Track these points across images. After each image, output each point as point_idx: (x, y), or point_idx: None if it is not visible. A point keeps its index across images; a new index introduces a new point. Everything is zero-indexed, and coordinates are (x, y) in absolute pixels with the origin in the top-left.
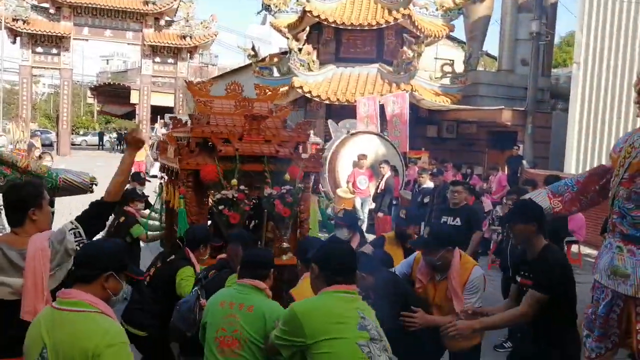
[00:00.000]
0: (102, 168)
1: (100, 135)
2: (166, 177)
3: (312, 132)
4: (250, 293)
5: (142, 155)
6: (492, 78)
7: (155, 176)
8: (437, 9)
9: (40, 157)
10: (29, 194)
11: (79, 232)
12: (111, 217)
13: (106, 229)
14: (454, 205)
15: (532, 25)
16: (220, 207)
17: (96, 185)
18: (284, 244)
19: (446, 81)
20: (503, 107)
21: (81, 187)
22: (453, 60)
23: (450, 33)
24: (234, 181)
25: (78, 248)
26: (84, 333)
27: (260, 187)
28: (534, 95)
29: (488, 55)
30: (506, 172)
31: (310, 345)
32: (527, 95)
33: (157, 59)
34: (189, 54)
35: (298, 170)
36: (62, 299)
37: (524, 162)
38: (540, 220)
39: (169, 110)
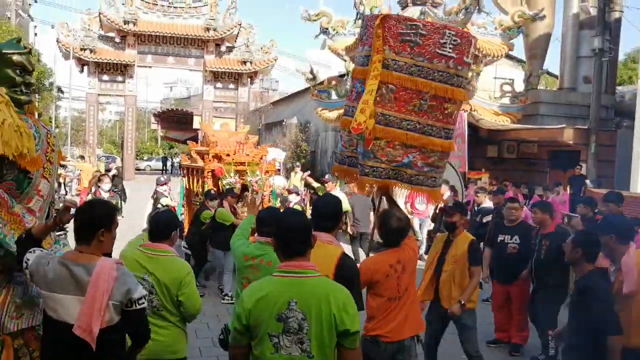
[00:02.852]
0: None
1: (164, 160)
2: (189, 173)
3: None
4: (267, 249)
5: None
6: (553, 97)
7: None
8: (495, 28)
9: (99, 180)
10: (103, 214)
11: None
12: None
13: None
14: (510, 222)
15: (595, 42)
16: (227, 186)
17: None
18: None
19: (506, 100)
20: (565, 125)
21: None
22: (513, 80)
23: (510, 52)
24: (232, 173)
25: (143, 306)
26: (176, 268)
27: (244, 177)
28: (597, 113)
29: (549, 74)
30: (569, 191)
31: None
32: (590, 113)
33: (219, 85)
34: (249, 79)
35: (262, 169)
36: (151, 248)
37: (587, 181)
38: None
39: None
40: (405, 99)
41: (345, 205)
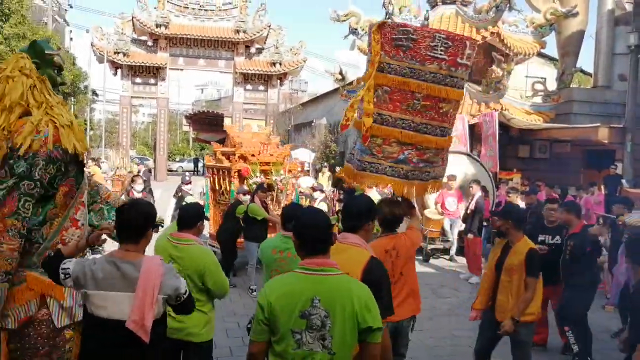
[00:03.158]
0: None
1: (195, 161)
2: (215, 173)
3: None
4: (292, 242)
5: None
6: (587, 95)
7: None
8: (527, 26)
9: (132, 180)
10: (153, 213)
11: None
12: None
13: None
14: (550, 223)
15: (631, 38)
16: (253, 184)
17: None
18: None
19: (538, 99)
20: (599, 124)
21: None
22: (545, 78)
23: (542, 50)
24: (257, 173)
25: (188, 293)
26: (198, 256)
27: (269, 175)
28: (633, 112)
29: (582, 72)
30: (603, 191)
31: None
32: (626, 111)
33: (249, 87)
34: (279, 81)
35: (285, 168)
36: (177, 238)
37: (624, 181)
38: None
39: None
40: (400, 99)
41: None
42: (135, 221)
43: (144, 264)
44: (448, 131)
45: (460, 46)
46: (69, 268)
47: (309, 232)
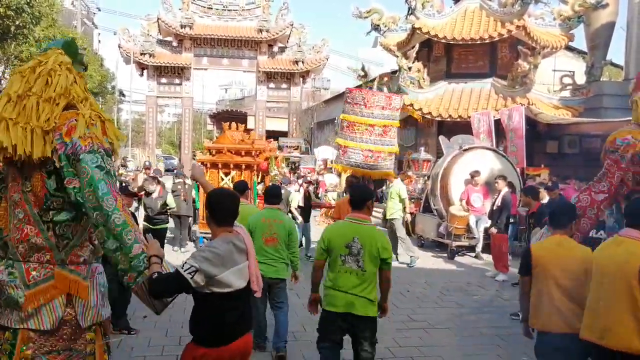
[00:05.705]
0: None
1: None
2: (214, 168)
3: (422, 149)
4: (276, 213)
5: None
6: (617, 88)
7: None
8: (554, 19)
9: (145, 180)
10: (239, 199)
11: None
12: None
13: None
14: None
15: None
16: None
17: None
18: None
19: (566, 94)
20: (631, 118)
21: None
22: (573, 72)
23: (570, 43)
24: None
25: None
26: (245, 210)
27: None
28: None
29: (613, 64)
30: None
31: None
32: None
33: (272, 85)
34: (301, 79)
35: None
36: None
37: None
38: None
39: (284, 134)
40: (353, 126)
41: (404, 193)
42: (232, 207)
43: (242, 235)
44: (384, 142)
45: (388, 99)
46: (193, 265)
47: (356, 197)
